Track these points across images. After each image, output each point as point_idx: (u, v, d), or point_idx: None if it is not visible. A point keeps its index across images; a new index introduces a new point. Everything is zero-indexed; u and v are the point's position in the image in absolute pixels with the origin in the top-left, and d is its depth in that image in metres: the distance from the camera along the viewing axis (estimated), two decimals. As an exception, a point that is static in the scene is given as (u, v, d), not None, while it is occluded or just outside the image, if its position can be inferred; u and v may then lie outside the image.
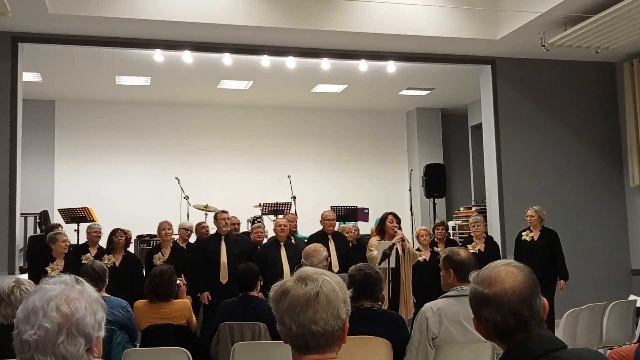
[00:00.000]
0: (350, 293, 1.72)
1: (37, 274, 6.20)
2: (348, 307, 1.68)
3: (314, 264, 4.59)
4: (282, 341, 1.70)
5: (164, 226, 7.21)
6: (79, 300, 1.50)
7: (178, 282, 5.58)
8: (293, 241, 7.35)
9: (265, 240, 7.79)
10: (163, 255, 6.98)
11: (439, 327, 3.50)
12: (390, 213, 6.91)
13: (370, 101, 12.75)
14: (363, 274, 3.83)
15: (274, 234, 7.42)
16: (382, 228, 6.81)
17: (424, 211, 12.04)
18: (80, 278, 1.57)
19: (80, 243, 8.03)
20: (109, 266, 5.95)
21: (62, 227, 7.74)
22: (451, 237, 10.15)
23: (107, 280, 4.99)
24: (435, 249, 7.56)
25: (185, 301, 5.30)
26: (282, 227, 7.19)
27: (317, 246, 5.07)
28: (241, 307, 4.81)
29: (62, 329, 1.45)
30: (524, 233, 7.74)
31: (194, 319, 5.14)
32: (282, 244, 7.13)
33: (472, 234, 7.85)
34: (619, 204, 9.83)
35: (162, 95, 11.91)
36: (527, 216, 7.70)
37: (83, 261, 6.87)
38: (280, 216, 8.06)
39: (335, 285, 1.67)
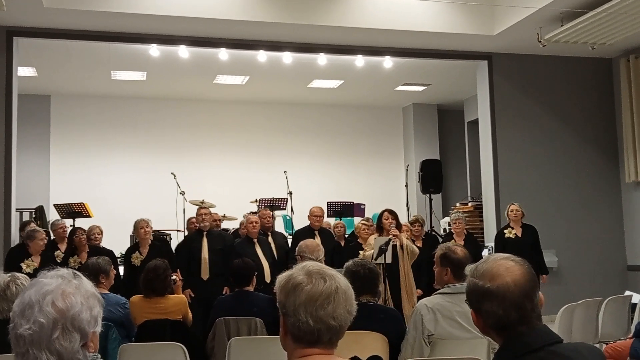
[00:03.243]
0: None
1: (12, 270, 6.12)
2: (356, 305, 1.71)
3: (319, 259, 4.58)
4: (277, 336, 1.70)
5: (142, 224, 6.96)
6: (75, 295, 1.49)
7: (174, 277, 5.58)
8: (270, 238, 7.32)
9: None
10: (141, 254, 6.85)
11: (435, 324, 3.50)
12: (386, 210, 6.91)
13: (366, 97, 12.75)
14: (359, 269, 3.84)
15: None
16: (380, 225, 6.82)
17: (420, 207, 12.02)
18: (78, 272, 1.56)
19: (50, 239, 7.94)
20: (76, 267, 5.88)
21: (34, 224, 7.68)
22: (440, 232, 10.18)
23: (110, 277, 4.98)
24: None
25: (182, 296, 5.30)
26: (254, 224, 7.16)
27: (317, 242, 5.08)
28: (237, 303, 4.81)
29: (57, 324, 1.44)
30: (505, 231, 7.70)
31: (190, 314, 5.14)
32: (255, 240, 7.11)
33: (452, 230, 7.86)
34: (615, 200, 9.85)
35: (158, 90, 11.88)
36: (511, 211, 7.67)
37: (56, 259, 6.83)
38: (248, 212, 7.93)
39: (347, 282, 1.71)
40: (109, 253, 7.09)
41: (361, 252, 6.69)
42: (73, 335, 1.45)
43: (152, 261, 5.09)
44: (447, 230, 10.51)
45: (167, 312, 4.83)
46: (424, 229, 8.21)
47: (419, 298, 5.69)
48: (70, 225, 7.70)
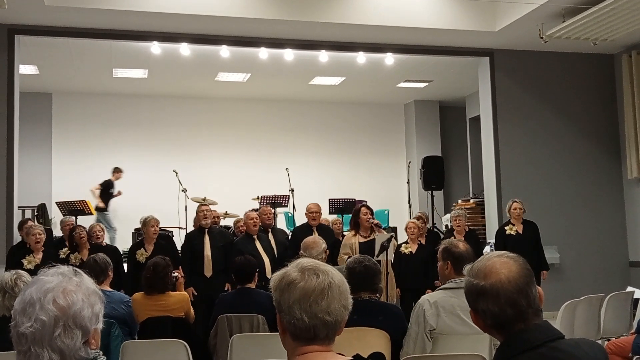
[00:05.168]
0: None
1: (13, 266, 6.14)
2: (351, 299, 1.70)
3: (312, 256, 4.59)
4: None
5: (153, 223, 7.00)
6: (76, 292, 1.49)
7: (176, 274, 5.58)
8: (270, 235, 7.32)
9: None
10: (146, 251, 6.87)
11: (437, 319, 3.51)
12: (363, 205, 6.92)
13: (368, 93, 12.74)
14: (362, 266, 3.84)
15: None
16: (356, 221, 6.77)
17: (422, 204, 12.04)
18: (78, 270, 1.56)
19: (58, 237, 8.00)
20: (77, 264, 5.90)
21: (31, 221, 7.71)
22: (442, 229, 10.16)
23: (110, 274, 4.99)
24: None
25: (184, 294, 5.30)
26: (254, 220, 7.15)
27: (317, 238, 5.07)
28: (239, 300, 4.82)
29: (59, 322, 1.44)
30: (507, 227, 7.65)
31: (192, 311, 5.14)
32: (254, 237, 7.10)
33: (453, 227, 7.83)
34: (617, 196, 9.84)
35: (159, 87, 11.88)
36: (514, 209, 7.61)
37: (61, 255, 6.85)
38: (250, 209, 7.94)
39: (342, 277, 1.70)
40: (114, 250, 7.24)
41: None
42: (75, 333, 1.46)
43: (153, 259, 5.11)
44: (449, 227, 10.54)
45: (169, 309, 4.84)
46: (427, 225, 8.20)
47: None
48: (71, 224, 7.72)
